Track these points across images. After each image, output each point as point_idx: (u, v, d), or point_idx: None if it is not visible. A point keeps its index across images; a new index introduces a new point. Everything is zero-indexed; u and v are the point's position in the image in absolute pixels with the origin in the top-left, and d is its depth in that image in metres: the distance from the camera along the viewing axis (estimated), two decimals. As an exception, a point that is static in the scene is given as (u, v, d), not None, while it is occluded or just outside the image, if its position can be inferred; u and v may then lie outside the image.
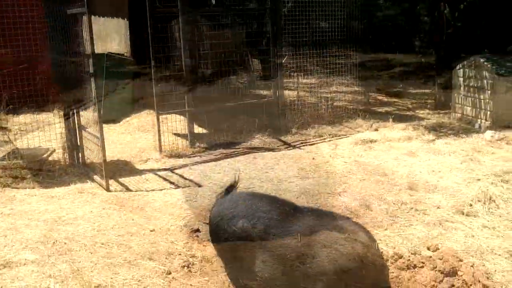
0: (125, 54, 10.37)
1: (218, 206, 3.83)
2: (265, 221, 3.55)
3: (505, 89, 8.46)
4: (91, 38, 5.71)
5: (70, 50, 6.58)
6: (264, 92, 10.77)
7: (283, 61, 9.07)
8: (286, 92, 10.02)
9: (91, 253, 4.50)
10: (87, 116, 6.95)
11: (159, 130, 7.82)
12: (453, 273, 3.68)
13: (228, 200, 3.82)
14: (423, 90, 13.55)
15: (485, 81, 8.72)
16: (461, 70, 9.34)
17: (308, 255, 3.41)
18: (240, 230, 3.57)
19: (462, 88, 9.38)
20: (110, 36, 11.06)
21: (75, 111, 6.71)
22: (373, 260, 3.43)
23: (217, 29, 9.95)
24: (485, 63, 8.67)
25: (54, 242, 4.72)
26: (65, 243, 4.69)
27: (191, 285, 3.95)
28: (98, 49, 9.97)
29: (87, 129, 6.74)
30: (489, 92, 8.65)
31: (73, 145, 7.01)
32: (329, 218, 3.67)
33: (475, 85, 8.98)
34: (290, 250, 3.44)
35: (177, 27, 7.79)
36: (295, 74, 9.73)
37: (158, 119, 7.88)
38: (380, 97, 12.92)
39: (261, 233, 3.52)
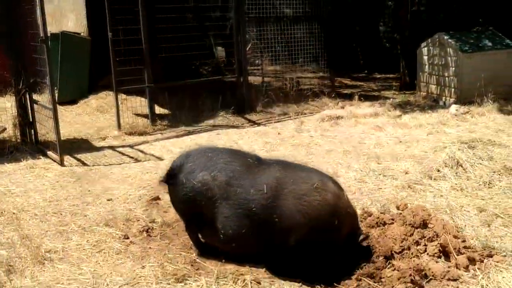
0: (82, 34, 9.91)
1: (176, 161, 3.59)
2: (227, 173, 3.32)
3: (469, 66, 8.49)
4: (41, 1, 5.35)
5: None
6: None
7: (247, 48, 8.86)
8: (251, 78, 9.82)
9: (42, 222, 4.18)
10: (41, 90, 6.58)
11: (117, 107, 7.47)
12: (423, 225, 3.54)
13: (187, 154, 3.58)
14: (388, 75, 13.60)
15: (449, 58, 8.74)
16: (426, 48, 9.34)
17: (277, 208, 3.20)
18: (200, 184, 3.34)
19: (427, 66, 9.39)
20: (65, 15, 10.59)
21: (26, 84, 6.29)
22: (344, 208, 3.26)
23: (178, 12, 9.59)
24: (449, 40, 8.68)
25: (1, 213, 4.38)
26: (13, 213, 4.35)
27: (150, 247, 3.69)
28: (53, 29, 9.58)
29: (39, 102, 6.35)
30: (453, 69, 8.67)
31: (25, 122, 6.60)
32: (296, 169, 3.48)
33: (440, 62, 8.98)
34: (256, 203, 3.22)
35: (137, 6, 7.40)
36: (259, 54, 9.51)
37: (116, 96, 7.52)
38: (345, 81, 12.88)
39: (223, 185, 3.30)
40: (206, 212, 3.35)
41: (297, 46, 9.42)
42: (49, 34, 6.99)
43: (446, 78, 8.85)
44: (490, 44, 8.77)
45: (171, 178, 3.50)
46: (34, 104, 6.54)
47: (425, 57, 9.38)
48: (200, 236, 3.58)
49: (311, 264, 3.24)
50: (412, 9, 10.25)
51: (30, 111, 6.55)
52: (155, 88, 7.95)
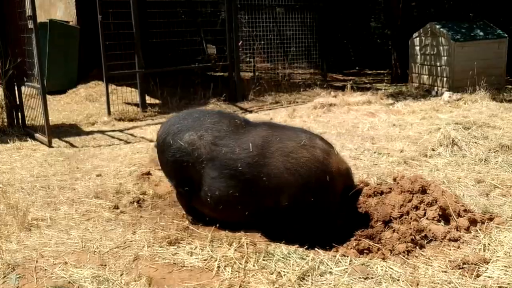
0: (71, 23, 9.75)
1: (164, 124, 3.49)
2: (213, 132, 3.23)
3: (461, 55, 8.49)
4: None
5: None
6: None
7: (239, 44, 8.75)
8: (243, 66, 9.75)
9: (29, 195, 4.05)
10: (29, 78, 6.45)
11: (107, 91, 7.34)
12: (422, 191, 3.46)
13: (175, 117, 3.49)
14: (379, 71, 13.60)
15: (441, 47, 8.73)
16: (418, 38, 9.33)
17: (264, 166, 3.10)
18: (186, 144, 3.24)
19: (418, 57, 9.37)
20: (54, 5, 10.41)
21: (13, 65, 6.14)
22: (335, 164, 3.15)
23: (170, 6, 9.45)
24: (441, 29, 8.68)
25: (-14, 188, 4.23)
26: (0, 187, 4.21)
27: (141, 217, 3.57)
28: (42, 19, 9.41)
29: (26, 83, 6.21)
30: (445, 58, 8.66)
31: (12, 105, 6.44)
32: (283, 128, 3.39)
33: (432, 52, 8.98)
34: (242, 162, 3.12)
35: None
36: (251, 43, 9.43)
37: (106, 81, 7.38)
38: (336, 76, 12.85)
39: (209, 145, 3.20)
40: (194, 175, 3.25)
41: (290, 36, 9.37)
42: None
43: (438, 68, 8.84)
44: (482, 33, 8.78)
45: (160, 141, 3.41)
46: (22, 88, 6.39)
47: (417, 48, 9.37)
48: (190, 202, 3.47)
49: (307, 226, 3.13)
50: (404, -1, 10.21)
51: (17, 93, 6.39)
52: (145, 74, 7.81)
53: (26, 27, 5.73)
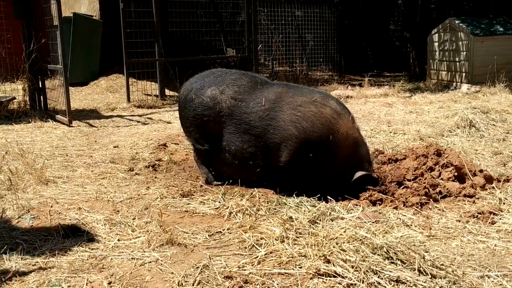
0: (94, 17, 9.96)
1: (186, 83, 3.53)
2: (234, 87, 3.27)
3: (480, 50, 8.42)
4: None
5: None
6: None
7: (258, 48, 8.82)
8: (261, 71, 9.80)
9: (48, 160, 4.12)
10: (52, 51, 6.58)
11: (127, 79, 7.46)
12: (438, 155, 3.43)
13: (197, 76, 3.53)
14: (398, 73, 13.55)
15: (460, 43, 8.68)
16: (436, 34, 9.29)
17: (272, 119, 3.11)
18: (208, 99, 3.28)
19: (437, 53, 9.33)
20: (78, 0, 10.67)
21: (37, 45, 6.29)
22: (344, 127, 3.05)
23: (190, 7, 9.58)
24: (461, 24, 8.64)
25: (6, 152, 4.31)
26: (19, 153, 4.28)
27: (155, 177, 3.61)
28: (66, 14, 9.64)
29: (49, 66, 6.34)
30: (464, 53, 8.60)
31: (35, 87, 6.58)
32: (301, 87, 3.39)
33: (451, 48, 8.93)
34: (255, 116, 3.14)
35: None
36: (269, 36, 9.49)
37: (126, 69, 7.49)
38: (354, 77, 12.82)
39: (229, 99, 3.23)
40: (214, 130, 3.27)
41: (308, 29, 9.42)
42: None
43: (457, 63, 8.77)
44: (502, 29, 8.71)
45: (183, 98, 3.45)
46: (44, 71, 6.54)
47: (436, 44, 9.32)
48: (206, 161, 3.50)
49: (312, 185, 3.08)
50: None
51: (40, 77, 6.54)
52: (164, 64, 7.91)
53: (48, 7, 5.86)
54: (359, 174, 3.01)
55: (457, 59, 8.77)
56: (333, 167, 3.06)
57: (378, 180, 3.20)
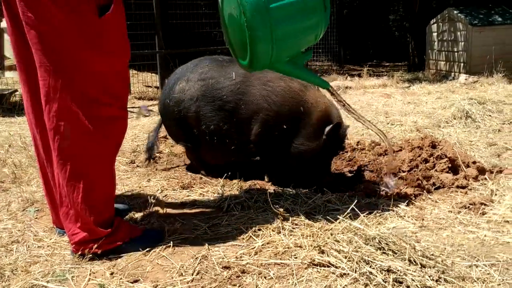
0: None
1: (161, 95, 3.58)
2: (198, 70, 3.33)
3: (478, 40, 8.45)
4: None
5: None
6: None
7: None
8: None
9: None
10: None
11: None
12: (432, 146, 3.50)
13: (166, 84, 3.58)
14: (397, 63, 13.57)
15: (458, 33, 8.71)
16: (435, 25, 9.31)
17: (244, 94, 3.18)
18: (178, 94, 3.32)
19: (436, 43, 9.36)
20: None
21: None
22: (313, 98, 3.15)
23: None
24: (459, 14, 8.66)
25: (10, 145, 4.40)
26: (23, 146, 4.36)
27: (156, 169, 3.68)
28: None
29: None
30: (462, 43, 8.63)
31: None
32: None
33: (449, 38, 8.96)
34: (227, 91, 3.20)
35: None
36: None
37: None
38: (353, 67, 12.86)
39: (197, 82, 3.27)
40: (193, 120, 3.31)
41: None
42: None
43: (456, 54, 8.81)
44: (500, 19, 8.73)
45: (161, 107, 3.53)
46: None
47: (434, 34, 9.35)
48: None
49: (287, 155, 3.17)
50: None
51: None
52: (165, 55, 7.95)
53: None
54: (328, 128, 3.08)
55: (455, 49, 8.80)
56: (309, 134, 3.13)
57: (346, 126, 3.24)
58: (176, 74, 3.50)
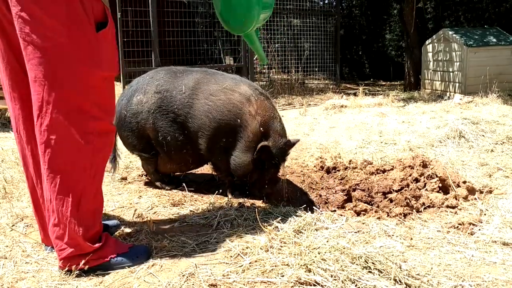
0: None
1: (116, 105, 3.55)
2: (154, 82, 3.37)
3: (474, 61, 8.53)
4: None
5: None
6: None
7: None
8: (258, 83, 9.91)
9: (42, 168, 4.19)
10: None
11: (124, 86, 7.54)
12: (423, 166, 3.52)
13: (121, 94, 3.62)
14: (394, 82, 13.67)
15: (454, 53, 8.79)
16: (430, 45, 9.41)
17: (191, 107, 3.24)
18: (136, 106, 3.37)
19: (431, 63, 9.44)
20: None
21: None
22: (253, 110, 3.18)
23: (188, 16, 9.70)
24: (454, 35, 8.75)
25: (2, 160, 4.40)
26: (15, 162, 4.37)
27: (148, 186, 3.69)
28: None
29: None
30: (458, 64, 8.71)
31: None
32: (218, 74, 3.45)
33: (444, 58, 9.04)
34: (178, 104, 3.26)
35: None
36: (265, 44, 9.59)
37: (124, 77, 7.59)
38: (350, 86, 12.95)
39: (153, 94, 3.32)
40: (151, 132, 3.36)
41: (304, 38, 9.53)
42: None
43: (451, 74, 8.88)
44: (494, 40, 8.82)
45: (117, 119, 3.50)
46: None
47: (430, 54, 9.44)
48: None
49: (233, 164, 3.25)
50: (418, 5, 10.30)
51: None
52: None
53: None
54: (260, 145, 3.14)
55: (450, 69, 8.88)
56: (243, 148, 3.19)
57: (287, 142, 3.31)
58: (132, 86, 3.54)
